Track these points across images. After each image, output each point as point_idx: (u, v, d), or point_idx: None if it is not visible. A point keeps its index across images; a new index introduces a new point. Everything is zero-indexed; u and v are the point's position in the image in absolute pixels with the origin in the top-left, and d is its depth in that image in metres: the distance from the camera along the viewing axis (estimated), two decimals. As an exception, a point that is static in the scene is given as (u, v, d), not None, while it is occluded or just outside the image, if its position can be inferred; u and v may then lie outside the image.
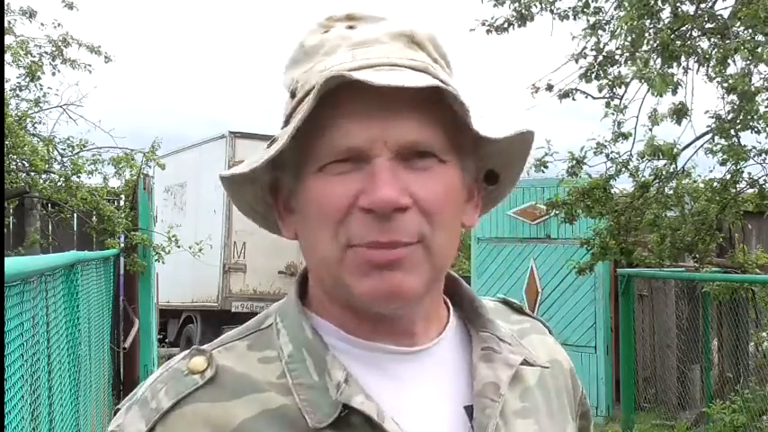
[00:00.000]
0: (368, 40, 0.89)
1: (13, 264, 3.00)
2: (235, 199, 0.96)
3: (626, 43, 7.19)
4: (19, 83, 8.42)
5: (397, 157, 0.86)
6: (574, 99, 7.58)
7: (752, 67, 6.66)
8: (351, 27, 0.92)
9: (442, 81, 0.88)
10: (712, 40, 7.08)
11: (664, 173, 7.56)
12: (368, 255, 0.86)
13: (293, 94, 0.92)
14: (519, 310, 1.10)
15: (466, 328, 1.00)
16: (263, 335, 0.95)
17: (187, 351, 0.94)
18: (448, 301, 1.01)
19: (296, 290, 0.97)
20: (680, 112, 7.13)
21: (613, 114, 7.45)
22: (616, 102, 7.48)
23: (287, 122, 0.92)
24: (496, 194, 1.02)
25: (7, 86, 8.11)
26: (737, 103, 6.81)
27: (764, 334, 7.68)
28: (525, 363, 0.98)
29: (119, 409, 0.94)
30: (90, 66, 8.70)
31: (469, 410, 0.93)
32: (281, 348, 0.92)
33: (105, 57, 8.72)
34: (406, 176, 0.86)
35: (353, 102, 0.84)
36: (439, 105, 0.86)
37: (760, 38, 6.69)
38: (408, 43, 0.90)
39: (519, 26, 7.54)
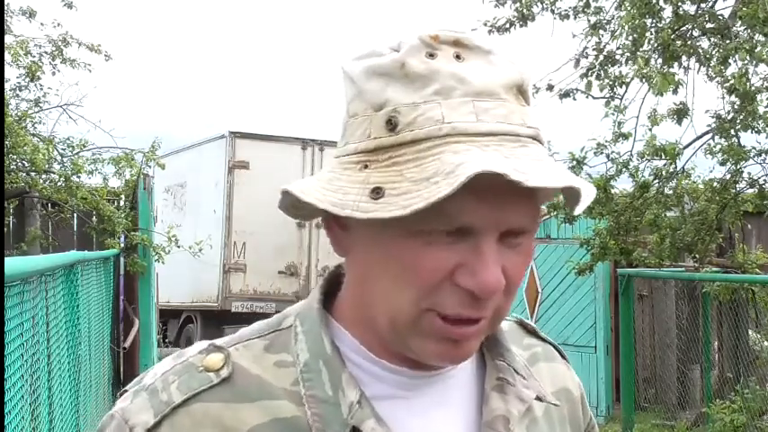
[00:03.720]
0: (486, 91, 0.84)
1: (13, 264, 2.99)
2: (281, 201, 0.91)
3: (627, 42, 7.19)
4: (19, 83, 8.42)
5: (500, 236, 0.83)
6: (574, 99, 7.59)
7: (750, 67, 6.67)
8: (458, 56, 0.85)
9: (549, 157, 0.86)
10: (713, 39, 7.09)
11: (663, 173, 7.57)
12: (448, 331, 0.84)
13: (392, 126, 0.83)
14: (533, 333, 1.08)
15: (481, 354, 0.98)
16: (281, 336, 0.92)
17: (204, 345, 0.91)
18: None
19: (319, 296, 0.94)
20: (680, 112, 7.14)
21: (613, 114, 7.46)
22: (616, 102, 7.49)
23: (372, 151, 0.84)
24: None
25: (7, 86, 8.11)
26: (738, 103, 6.82)
27: (756, 335, 7.69)
28: (537, 398, 0.97)
29: (125, 392, 0.92)
30: (90, 65, 8.71)
31: None
32: (298, 355, 0.90)
33: (105, 55, 8.72)
34: (503, 254, 0.83)
35: (480, 177, 0.77)
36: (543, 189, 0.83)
37: (759, 38, 6.69)
38: (517, 95, 0.86)
39: (520, 26, 7.55)
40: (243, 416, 0.85)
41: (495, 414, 0.92)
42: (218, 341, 0.92)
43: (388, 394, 0.90)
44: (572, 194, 0.85)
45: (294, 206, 0.92)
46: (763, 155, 7.33)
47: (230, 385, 0.87)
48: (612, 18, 7.62)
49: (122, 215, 8.08)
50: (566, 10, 7.67)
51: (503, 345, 0.98)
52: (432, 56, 0.85)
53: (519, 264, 0.85)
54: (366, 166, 0.83)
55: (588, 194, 0.85)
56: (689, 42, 7.04)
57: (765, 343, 7.86)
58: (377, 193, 0.81)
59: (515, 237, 0.84)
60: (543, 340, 1.08)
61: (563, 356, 1.09)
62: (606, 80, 7.46)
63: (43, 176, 8.03)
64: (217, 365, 0.88)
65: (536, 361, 1.03)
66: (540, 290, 9.50)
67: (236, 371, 0.88)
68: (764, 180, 7.57)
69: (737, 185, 7.64)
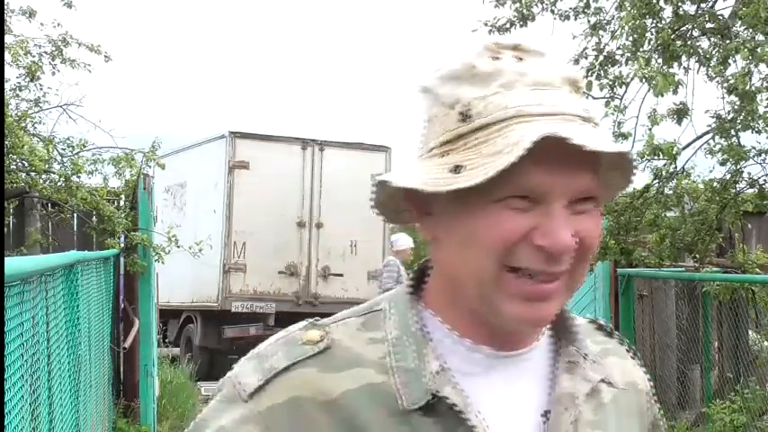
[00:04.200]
0: (545, 82, 0.97)
1: (13, 264, 2.99)
2: (375, 196, 1.04)
3: (627, 43, 7.20)
4: (19, 83, 8.41)
5: (569, 201, 0.95)
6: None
7: (752, 66, 6.67)
8: (519, 59, 0.99)
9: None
10: (712, 39, 7.09)
11: (664, 173, 7.57)
12: (528, 288, 0.96)
13: (465, 117, 0.97)
14: (605, 331, 1.18)
15: (556, 340, 1.09)
16: (374, 317, 1.05)
17: (307, 322, 1.05)
18: None
19: (409, 283, 1.07)
20: (680, 112, 7.14)
21: (613, 114, 7.46)
22: (616, 102, 7.49)
23: (450, 142, 0.98)
24: None
25: (7, 86, 8.10)
26: (738, 103, 6.82)
27: (756, 335, 7.69)
28: (603, 381, 1.07)
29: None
30: (89, 65, 8.69)
31: (547, 415, 1.03)
32: (388, 332, 1.02)
33: (105, 56, 8.71)
34: (572, 219, 0.95)
35: (544, 147, 0.90)
36: (602, 157, 0.95)
37: (760, 38, 6.69)
38: (573, 88, 0.99)
39: (520, 26, 7.55)
40: (336, 382, 0.99)
41: (563, 392, 1.03)
42: (320, 320, 1.06)
43: (467, 370, 1.01)
44: (626, 166, 0.99)
45: (385, 203, 1.06)
46: (763, 155, 7.33)
47: (326, 356, 1.00)
48: (612, 18, 7.63)
49: (122, 215, 8.07)
50: (566, 11, 7.68)
51: (575, 334, 1.08)
52: (496, 58, 0.99)
53: (589, 229, 0.97)
54: (445, 155, 0.97)
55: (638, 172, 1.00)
56: (689, 42, 7.04)
57: (765, 343, 7.86)
58: (457, 169, 0.94)
59: (583, 203, 0.96)
60: (615, 339, 1.18)
61: (633, 355, 1.19)
62: (606, 80, 7.46)
63: (43, 176, 8.02)
64: (315, 339, 1.02)
65: (607, 355, 1.13)
66: (540, 290, 9.48)
67: (333, 344, 1.01)
68: (764, 180, 7.58)
69: (737, 185, 7.64)
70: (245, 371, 1.02)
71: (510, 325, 0.99)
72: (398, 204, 1.05)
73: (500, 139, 0.93)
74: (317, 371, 0.99)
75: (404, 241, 10.91)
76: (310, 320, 1.05)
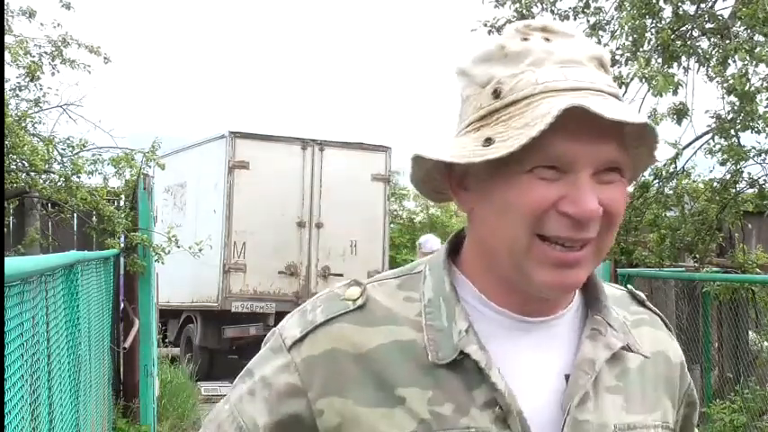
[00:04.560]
0: (572, 60, 1.03)
1: (13, 264, 2.99)
2: (413, 172, 1.11)
3: (626, 43, 7.20)
4: (19, 83, 8.41)
5: (595, 171, 1.00)
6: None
7: (750, 67, 6.67)
8: (547, 39, 1.04)
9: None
10: (712, 40, 7.09)
11: (663, 173, 7.57)
12: (557, 255, 1.01)
13: (497, 94, 1.03)
14: (641, 303, 1.23)
15: (585, 309, 1.14)
16: (412, 278, 1.12)
17: (348, 280, 1.13)
18: None
19: (447, 247, 1.13)
20: (680, 112, 7.14)
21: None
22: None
23: (483, 118, 1.03)
24: None
25: (7, 86, 8.10)
26: (738, 103, 6.82)
27: (756, 335, 7.69)
28: (627, 348, 1.11)
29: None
30: (89, 66, 8.69)
31: (568, 379, 1.08)
32: (424, 293, 1.10)
33: (105, 58, 8.71)
34: (598, 188, 1.00)
35: (570, 118, 0.95)
36: (626, 129, 1.01)
37: (759, 38, 6.69)
38: (598, 66, 1.05)
39: (519, 26, 7.55)
40: (370, 336, 1.06)
41: (583, 357, 1.08)
42: (360, 279, 1.13)
43: (495, 333, 1.07)
44: (651, 140, 1.04)
45: (423, 180, 1.12)
46: (763, 155, 7.33)
47: (363, 312, 1.08)
48: (612, 18, 7.63)
49: (122, 215, 8.06)
50: (565, 10, 7.68)
51: (602, 303, 1.13)
52: (525, 39, 1.05)
53: (615, 199, 1.01)
54: (478, 130, 1.03)
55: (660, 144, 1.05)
56: (689, 42, 7.04)
57: (765, 343, 7.86)
58: (488, 141, 1.00)
59: (608, 173, 1.01)
60: (651, 310, 1.23)
61: (668, 328, 1.24)
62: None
63: (43, 176, 8.01)
64: (354, 296, 1.09)
65: (641, 325, 1.18)
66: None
67: (370, 301, 1.09)
68: (764, 180, 7.58)
69: (737, 185, 7.64)
70: (290, 324, 1.11)
71: (540, 291, 1.04)
72: (434, 179, 1.11)
73: (529, 112, 0.98)
74: (353, 326, 1.07)
75: (432, 243, 10.82)
76: (352, 279, 1.13)
